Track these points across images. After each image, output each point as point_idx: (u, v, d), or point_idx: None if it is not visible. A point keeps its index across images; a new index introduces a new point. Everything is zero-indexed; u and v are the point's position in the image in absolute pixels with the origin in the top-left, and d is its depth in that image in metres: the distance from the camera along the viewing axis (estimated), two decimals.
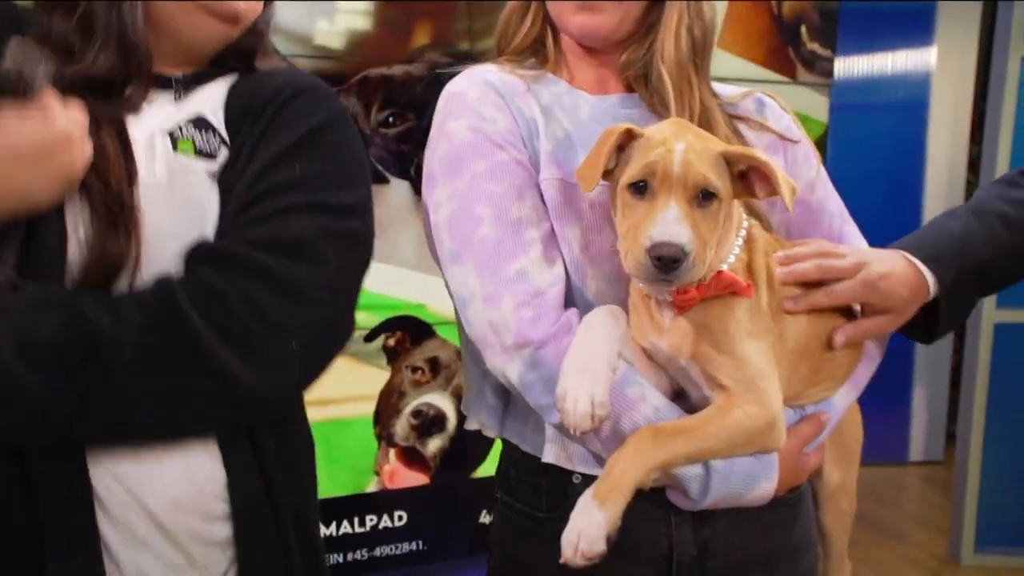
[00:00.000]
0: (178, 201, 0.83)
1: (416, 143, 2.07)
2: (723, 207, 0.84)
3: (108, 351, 0.74)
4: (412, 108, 2.07)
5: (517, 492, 1.05)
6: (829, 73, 2.52)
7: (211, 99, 0.90)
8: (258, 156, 0.86)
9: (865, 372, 1.02)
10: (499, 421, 1.04)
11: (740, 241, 0.90)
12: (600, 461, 0.93)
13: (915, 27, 4.03)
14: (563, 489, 0.99)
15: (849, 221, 1.08)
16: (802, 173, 1.04)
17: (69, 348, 0.74)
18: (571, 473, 0.98)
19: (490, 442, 2.12)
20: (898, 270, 0.96)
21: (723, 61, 2.40)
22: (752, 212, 0.98)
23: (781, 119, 1.06)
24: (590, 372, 0.85)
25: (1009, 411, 3.03)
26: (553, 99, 1.01)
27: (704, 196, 0.82)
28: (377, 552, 2.17)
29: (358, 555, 2.14)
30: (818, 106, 2.52)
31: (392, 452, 2.15)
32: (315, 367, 0.87)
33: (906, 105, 4.07)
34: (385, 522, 2.17)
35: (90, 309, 0.75)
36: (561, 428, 0.90)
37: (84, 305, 0.76)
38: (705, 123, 0.98)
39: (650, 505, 0.93)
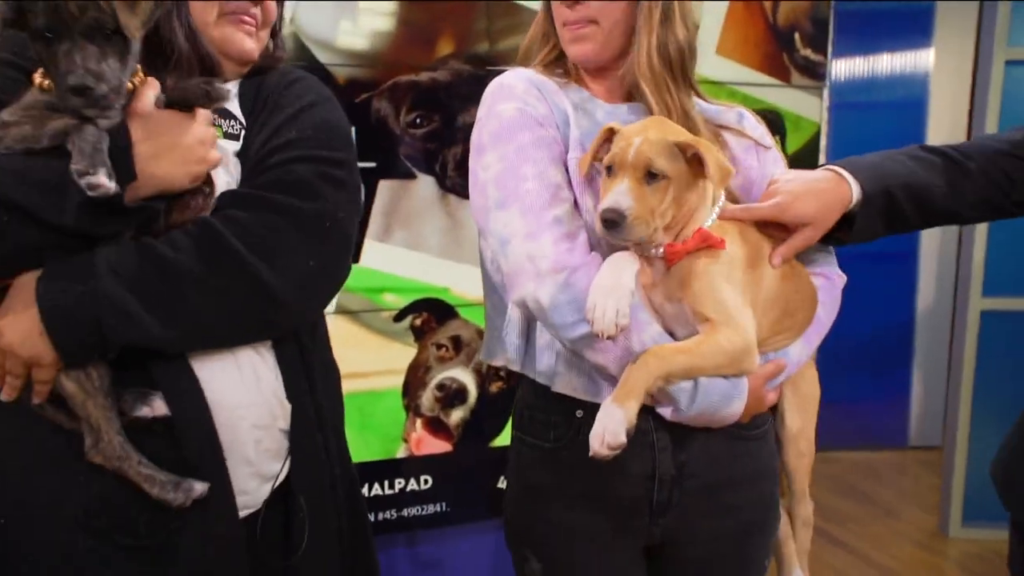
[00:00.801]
0: (223, 177, 1.05)
1: (441, 142, 2.18)
2: (672, 184, 1.05)
3: (176, 273, 0.95)
4: (437, 111, 2.16)
5: (529, 428, 1.24)
6: (822, 77, 2.65)
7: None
8: (264, 129, 1.08)
9: (816, 334, 1.21)
10: (520, 357, 1.22)
11: (717, 209, 1.12)
12: (600, 390, 1.13)
13: (913, 28, 4.08)
14: (568, 422, 1.18)
15: None
16: (771, 171, 1.25)
17: (146, 272, 0.94)
18: (575, 407, 1.18)
19: (506, 414, 2.30)
20: (805, 191, 1.16)
21: (722, 66, 2.51)
22: (731, 197, 1.19)
23: (756, 129, 1.27)
24: (615, 291, 1.03)
25: (995, 395, 3.14)
26: (579, 102, 1.21)
27: (651, 175, 1.04)
28: (405, 513, 2.27)
29: (388, 515, 2.25)
30: (811, 107, 2.65)
31: (419, 421, 2.26)
32: (326, 287, 1.12)
33: (904, 105, 4.13)
34: (412, 485, 2.26)
35: (154, 243, 0.96)
36: (580, 342, 1.08)
37: (147, 241, 0.96)
38: (685, 124, 1.16)
39: (638, 434, 1.12)
